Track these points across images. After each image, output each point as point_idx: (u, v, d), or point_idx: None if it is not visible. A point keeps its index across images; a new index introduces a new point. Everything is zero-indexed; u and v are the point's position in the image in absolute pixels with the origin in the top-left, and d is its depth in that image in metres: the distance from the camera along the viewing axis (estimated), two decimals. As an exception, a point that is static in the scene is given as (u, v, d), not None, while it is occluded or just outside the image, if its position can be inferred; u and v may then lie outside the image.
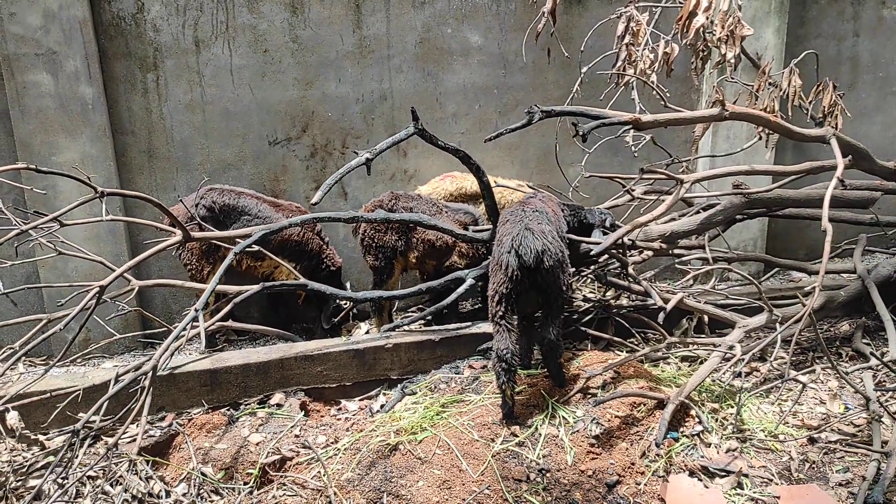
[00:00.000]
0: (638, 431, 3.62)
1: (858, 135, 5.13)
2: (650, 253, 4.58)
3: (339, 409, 4.33)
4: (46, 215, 3.72)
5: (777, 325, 4.03)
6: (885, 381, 4.19)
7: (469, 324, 4.69)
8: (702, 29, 4.29)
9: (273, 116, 5.46)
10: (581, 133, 3.58)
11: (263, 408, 4.19)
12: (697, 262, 5.10)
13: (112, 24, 5.00)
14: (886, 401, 3.94)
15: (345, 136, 5.59)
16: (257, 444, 3.76)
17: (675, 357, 4.56)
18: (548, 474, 3.34)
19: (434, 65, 5.66)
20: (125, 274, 4.37)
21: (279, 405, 4.21)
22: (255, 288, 4.30)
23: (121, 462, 3.58)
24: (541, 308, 3.95)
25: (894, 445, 3.35)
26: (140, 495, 3.42)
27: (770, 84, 4.77)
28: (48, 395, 3.86)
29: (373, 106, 5.62)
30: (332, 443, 3.78)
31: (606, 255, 4.47)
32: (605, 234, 4.33)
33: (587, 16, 5.74)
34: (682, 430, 3.67)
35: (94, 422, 3.69)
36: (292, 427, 3.93)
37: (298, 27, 5.32)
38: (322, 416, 4.19)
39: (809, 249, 6.45)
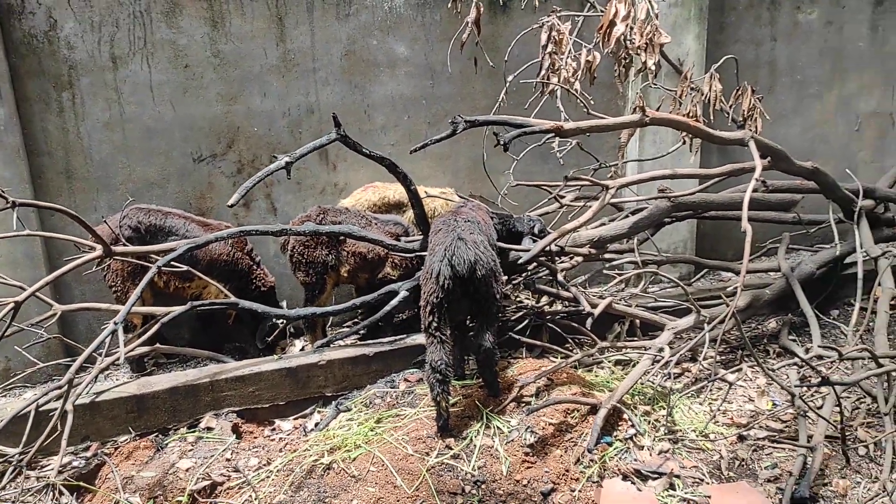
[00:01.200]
0: (572, 438, 3.63)
1: (778, 137, 5.26)
2: (580, 259, 4.61)
3: (273, 429, 4.23)
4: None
5: (705, 325, 4.10)
6: (809, 377, 4.29)
7: (404, 336, 4.65)
8: (622, 37, 4.35)
9: (197, 133, 5.34)
10: (503, 142, 3.58)
11: (194, 432, 4.07)
12: (629, 265, 5.17)
13: (23, 42, 4.82)
14: (811, 396, 4.03)
15: (272, 150, 5.49)
16: (187, 471, 3.65)
17: (609, 361, 4.59)
18: (483, 486, 3.32)
19: (361, 77, 5.62)
20: (47, 299, 4.22)
21: (210, 428, 4.09)
22: (182, 308, 4.19)
23: (42, 493, 3.44)
24: (473, 316, 3.94)
25: (819, 440, 3.43)
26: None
27: (692, 89, 4.87)
28: (-38, 429, 3.70)
29: (300, 120, 5.54)
30: (264, 465, 3.69)
31: (536, 263, 4.49)
32: (534, 241, 4.35)
33: (512, 25, 5.78)
34: (615, 434, 3.70)
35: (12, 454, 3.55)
36: (224, 451, 3.82)
37: (220, 41, 5.22)
38: (255, 438, 4.10)
39: (737, 249, 6.50)
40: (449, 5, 4.81)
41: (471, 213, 4.11)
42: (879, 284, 4.49)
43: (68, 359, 4.96)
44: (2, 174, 4.74)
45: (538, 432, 3.60)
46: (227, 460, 3.74)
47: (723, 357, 4.75)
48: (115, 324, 3.56)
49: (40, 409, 3.72)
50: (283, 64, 5.41)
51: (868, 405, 3.97)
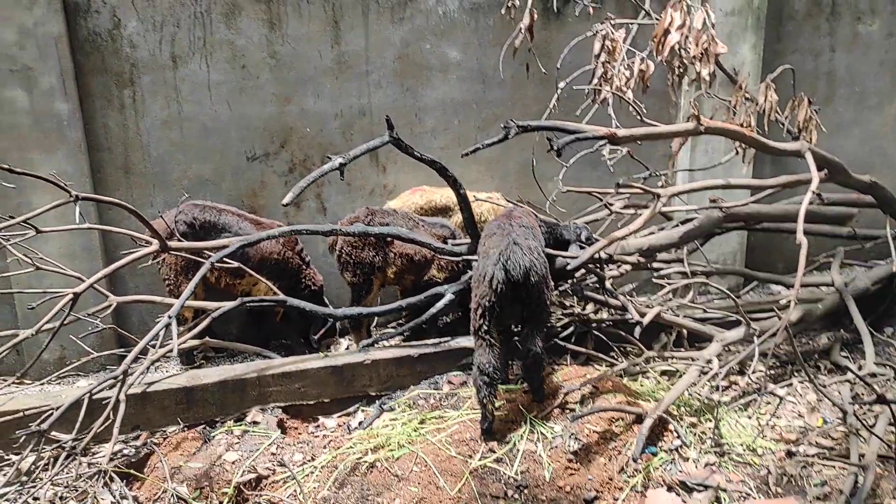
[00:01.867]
0: (616, 446, 3.61)
1: (835, 149, 5.16)
2: (628, 267, 4.59)
3: (317, 426, 4.28)
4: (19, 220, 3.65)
5: (755, 338, 4.04)
6: (862, 394, 4.20)
7: (448, 339, 4.66)
8: (677, 46, 4.32)
9: (251, 132, 5.44)
10: (556, 148, 3.58)
11: (240, 425, 4.13)
12: (677, 275, 5.11)
13: (88, 40, 4.97)
14: (863, 414, 3.95)
15: (324, 151, 5.56)
16: (233, 463, 3.71)
17: (655, 371, 4.55)
18: (525, 490, 3.32)
19: (413, 80, 5.67)
20: (103, 290, 4.33)
21: (256, 422, 4.15)
22: (232, 303, 4.27)
23: (93, 479, 3.53)
24: (523, 321, 3.93)
25: (871, 459, 3.35)
26: (113, 516, 3.38)
27: (747, 99, 4.80)
28: (21, 414, 3.82)
29: (352, 121, 5.61)
30: (308, 460, 3.74)
31: (584, 270, 4.47)
32: (582, 248, 4.33)
33: (565, 31, 5.76)
34: (660, 444, 3.67)
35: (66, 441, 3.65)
36: (269, 445, 3.88)
37: (276, 43, 5.32)
38: (299, 434, 4.15)
39: (788, 262, 6.47)
40: (503, 11, 4.82)
41: (523, 219, 4.11)
42: (937, 303, 4.39)
43: (121, 349, 5.08)
44: (64, 168, 4.89)
45: (582, 439, 3.59)
46: (273, 454, 3.80)
47: (772, 371, 4.67)
48: (170, 317, 3.65)
49: (94, 397, 3.82)
50: (337, 66, 5.48)
51: (923, 426, 3.88)
